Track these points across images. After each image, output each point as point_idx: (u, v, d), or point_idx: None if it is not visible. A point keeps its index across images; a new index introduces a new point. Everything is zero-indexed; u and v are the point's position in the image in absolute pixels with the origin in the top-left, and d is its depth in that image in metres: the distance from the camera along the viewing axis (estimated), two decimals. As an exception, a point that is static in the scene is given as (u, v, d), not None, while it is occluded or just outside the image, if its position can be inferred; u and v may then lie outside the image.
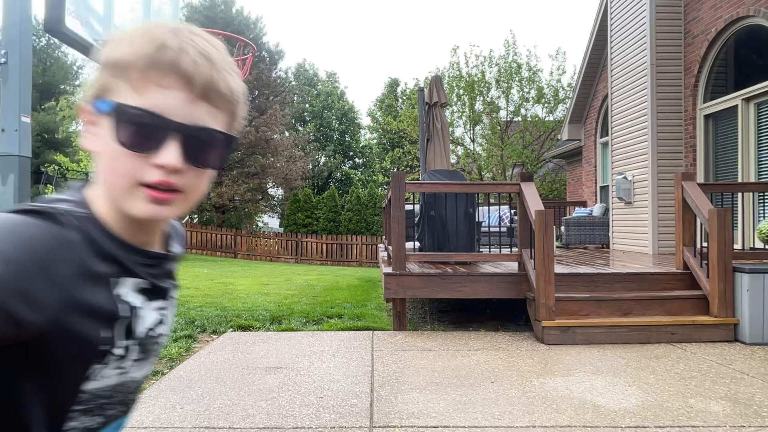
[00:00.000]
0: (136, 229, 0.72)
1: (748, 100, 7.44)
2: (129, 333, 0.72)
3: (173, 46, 0.66)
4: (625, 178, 9.22)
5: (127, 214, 0.69)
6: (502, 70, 19.06)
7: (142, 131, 0.65)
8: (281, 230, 25.35)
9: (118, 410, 0.79)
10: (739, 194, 7.10)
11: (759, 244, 7.05)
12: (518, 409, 3.25)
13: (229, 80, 0.70)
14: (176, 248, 0.84)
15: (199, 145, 0.68)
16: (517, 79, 19.10)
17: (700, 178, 8.28)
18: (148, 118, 0.65)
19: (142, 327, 0.74)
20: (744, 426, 2.98)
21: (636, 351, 4.64)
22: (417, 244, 6.83)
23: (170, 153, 0.66)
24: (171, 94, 0.65)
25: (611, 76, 9.99)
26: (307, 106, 35.65)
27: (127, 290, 0.71)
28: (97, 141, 0.69)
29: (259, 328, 5.67)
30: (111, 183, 0.68)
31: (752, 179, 7.30)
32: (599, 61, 12.19)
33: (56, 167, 18.76)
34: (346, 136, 36.86)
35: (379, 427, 2.98)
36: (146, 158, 0.66)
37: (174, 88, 0.66)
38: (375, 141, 37.17)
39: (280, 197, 26.47)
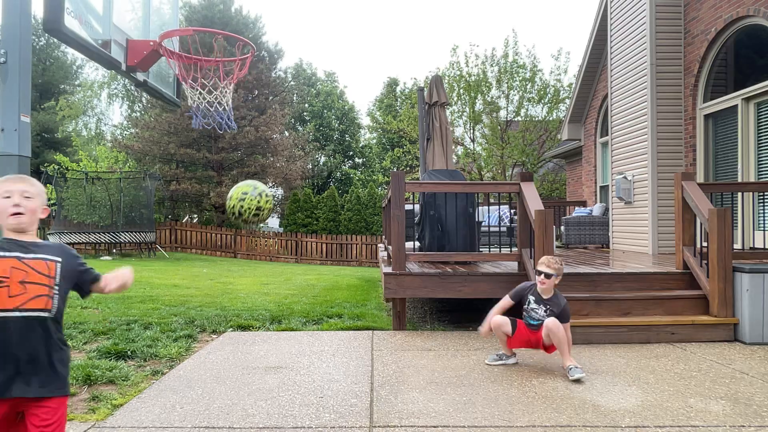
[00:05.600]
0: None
1: (747, 99, 7.44)
2: None
3: None
4: (625, 177, 9.22)
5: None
6: (503, 69, 19.05)
7: None
8: (281, 230, 25.34)
9: None
10: (739, 194, 7.10)
11: (759, 244, 7.05)
12: (518, 408, 3.25)
13: None
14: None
15: None
16: (518, 79, 19.10)
17: (700, 178, 8.28)
18: None
19: None
20: (744, 426, 2.98)
21: (636, 351, 4.64)
22: (417, 243, 6.83)
23: None
24: None
25: (611, 76, 9.98)
26: (306, 105, 35.63)
27: None
28: None
29: (259, 327, 5.67)
30: None
31: (752, 179, 7.30)
32: (599, 61, 12.19)
33: (56, 167, 18.75)
34: (346, 135, 36.84)
35: (378, 426, 2.97)
36: None
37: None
38: (375, 141, 37.15)
39: (280, 197, 26.46)
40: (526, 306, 4.18)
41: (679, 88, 8.64)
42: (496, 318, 4.17)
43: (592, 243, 10.44)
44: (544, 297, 4.11)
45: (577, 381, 3.75)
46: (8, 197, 1.97)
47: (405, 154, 24.86)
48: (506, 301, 4.27)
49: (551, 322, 3.94)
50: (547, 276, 4.04)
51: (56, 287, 2.00)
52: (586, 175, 13.06)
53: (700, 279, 5.37)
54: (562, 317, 4.02)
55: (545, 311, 4.07)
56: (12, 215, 1.96)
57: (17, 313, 1.90)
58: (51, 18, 2.91)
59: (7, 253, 1.95)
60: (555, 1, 71.07)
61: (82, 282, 2.13)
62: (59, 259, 2.03)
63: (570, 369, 3.85)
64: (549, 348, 4.08)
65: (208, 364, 4.26)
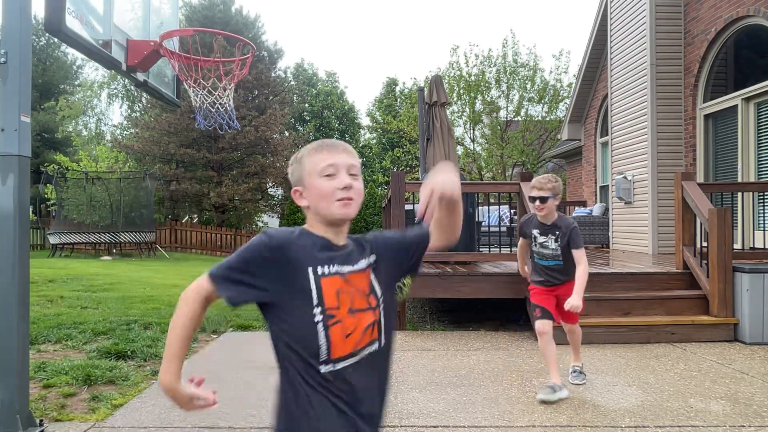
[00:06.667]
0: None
1: (748, 99, 7.43)
2: None
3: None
4: (625, 177, 9.22)
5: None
6: (502, 69, 19.04)
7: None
8: (281, 230, 25.30)
9: None
10: (739, 194, 7.09)
11: (759, 244, 7.04)
12: (518, 408, 3.25)
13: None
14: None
15: None
16: (518, 78, 19.09)
17: (700, 178, 8.27)
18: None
19: None
20: (744, 426, 2.98)
21: (636, 351, 4.64)
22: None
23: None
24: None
25: (611, 76, 9.98)
26: (306, 105, 35.63)
27: None
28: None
29: (259, 327, 5.67)
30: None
31: (752, 179, 7.29)
32: (599, 61, 12.18)
33: (56, 167, 18.74)
34: (346, 136, 36.83)
35: (379, 426, 2.97)
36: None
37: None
38: (375, 141, 37.14)
39: (280, 197, 26.45)
40: (533, 246, 3.61)
41: (679, 88, 8.64)
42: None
43: (592, 243, 10.44)
44: (548, 223, 3.54)
45: (576, 383, 3.72)
46: (332, 174, 1.30)
47: (405, 154, 24.85)
48: (522, 241, 3.82)
49: (568, 324, 3.67)
50: (542, 200, 3.42)
51: (380, 303, 1.32)
52: (586, 175, 13.06)
53: (700, 279, 5.37)
54: (575, 242, 3.47)
55: (555, 240, 3.51)
56: (341, 201, 1.29)
57: (352, 360, 1.25)
58: (52, 18, 2.91)
59: (329, 268, 1.27)
60: (555, 1, 71.08)
61: (411, 256, 1.43)
62: (371, 260, 1.35)
63: (573, 371, 3.77)
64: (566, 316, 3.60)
65: (208, 364, 4.26)
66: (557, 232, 3.49)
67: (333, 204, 1.29)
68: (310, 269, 1.24)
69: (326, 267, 1.26)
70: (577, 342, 3.81)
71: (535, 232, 3.57)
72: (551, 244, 3.51)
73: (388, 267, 1.36)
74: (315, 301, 1.22)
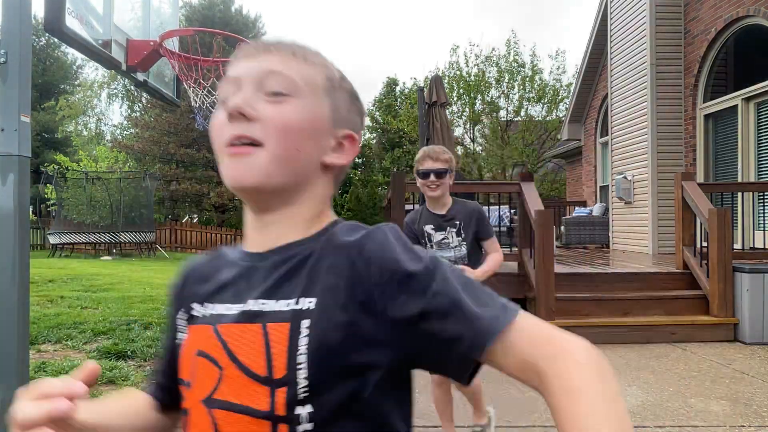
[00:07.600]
0: None
1: (748, 99, 7.43)
2: None
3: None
4: (625, 177, 9.22)
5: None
6: (503, 69, 19.05)
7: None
8: (281, 230, 25.34)
9: None
10: (739, 194, 7.09)
11: (759, 244, 7.04)
12: (518, 409, 3.24)
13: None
14: None
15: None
16: (519, 78, 19.10)
17: (700, 178, 8.27)
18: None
19: None
20: (744, 426, 2.98)
21: (636, 351, 4.64)
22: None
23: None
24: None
25: (611, 76, 9.98)
26: (306, 105, 35.64)
27: None
28: None
29: (259, 327, 5.67)
30: None
31: (752, 179, 7.29)
32: (599, 61, 12.18)
33: (56, 167, 18.74)
34: (346, 135, 36.84)
35: (379, 426, 2.97)
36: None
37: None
38: (374, 141, 37.13)
39: (280, 197, 26.44)
40: (429, 246, 2.58)
41: (679, 88, 8.64)
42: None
43: (592, 243, 10.44)
44: (443, 212, 2.60)
45: None
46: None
47: (405, 154, 24.87)
48: None
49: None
50: (438, 174, 2.48)
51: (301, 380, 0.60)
52: (586, 175, 13.06)
53: (700, 279, 5.37)
54: (484, 232, 2.61)
55: (458, 233, 2.58)
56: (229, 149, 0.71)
57: None
58: (52, 18, 2.91)
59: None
60: (555, 1, 71.10)
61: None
62: (311, 302, 0.63)
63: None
64: None
65: (208, 364, 4.25)
66: (457, 223, 2.57)
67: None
68: None
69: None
70: (472, 389, 2.70)
71: (428, 228, 2.60)
72: (453, 240, 2.58)
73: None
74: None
